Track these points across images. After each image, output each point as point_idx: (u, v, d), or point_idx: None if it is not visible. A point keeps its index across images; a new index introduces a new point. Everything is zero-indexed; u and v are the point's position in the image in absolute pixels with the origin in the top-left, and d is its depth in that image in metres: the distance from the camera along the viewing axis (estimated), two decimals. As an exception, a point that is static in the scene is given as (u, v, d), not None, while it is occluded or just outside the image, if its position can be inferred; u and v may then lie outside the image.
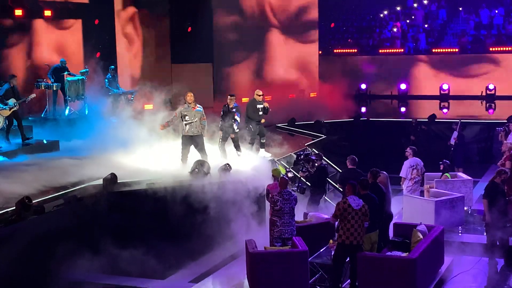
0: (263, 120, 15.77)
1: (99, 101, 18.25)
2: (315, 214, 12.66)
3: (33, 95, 16.22)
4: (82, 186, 12.89)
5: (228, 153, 15.12)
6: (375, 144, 22.05)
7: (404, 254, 10.59)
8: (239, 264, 11.94)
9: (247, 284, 10.85)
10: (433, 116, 23.04)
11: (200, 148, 14.34)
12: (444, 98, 27.92)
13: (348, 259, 10.36)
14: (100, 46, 20.13)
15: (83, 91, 18.24)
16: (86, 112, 18.27)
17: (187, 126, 14.15)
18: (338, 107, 24.64)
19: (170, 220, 12.76)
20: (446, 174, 15.66)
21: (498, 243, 12.14)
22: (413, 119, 22.29)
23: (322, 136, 20.38)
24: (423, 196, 14.91)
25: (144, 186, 13.20)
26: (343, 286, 10.48)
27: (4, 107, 15.19)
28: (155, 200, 12.89)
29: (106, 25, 20.43)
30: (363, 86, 29.27)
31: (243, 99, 19.65)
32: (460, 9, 31.56)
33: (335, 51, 30.74)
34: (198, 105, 14.29)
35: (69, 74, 18.19)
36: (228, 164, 14.14)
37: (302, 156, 15.59)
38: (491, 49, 28.46)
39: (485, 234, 12.68)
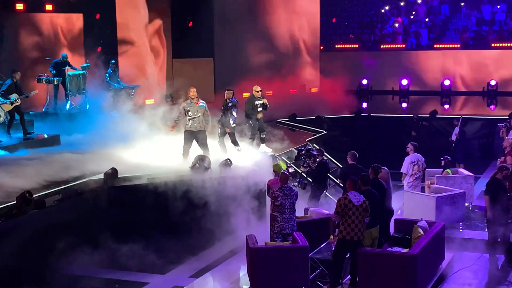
0: (260, 115, 15.67)
1: (100, 96, 18.21)
2: (315, 210, 12.62)
3: (36, 91, 16.23)
4: (83, 180, 12.88)
5: (228, 148, 15.10)
6: (376, 139, 22.07)
7: (405, 250, 10.56)
8: (240, 260, 11.94)
9: (248, 279, 10.83)
10: (434, 112, 23.03)
11: (202, 143, 14.33)
12: (445, 94, 27.90)
13: (348, 254, 10.35)
14: (101, 41, 20.09)
15: (84, 86, 18.22)
16: (87, 106, 18.25)
17: (190, 121, 14.16)
18: (339, 103, 24.59)
19: (171, 215, 12.77)
20: (447, 170, 15.65)
21: (499, 240, 12.14)
22: (414, 115, 22.29)
23: (323, 132, 20.39)
24: (424, 192, 14.88)
25: (145, 181, 13.19)
26: (343, 281, 10.46)
27: (6, 101, 15.17)
28: (156, 195, 12.90)
29: (108, 19, 20.37)
30: (365, 81, 29.22)
31: (244, 94, 19.59)
32: (462, 4, 31.50)
33: (336, 46, 30.68)
34: (201, 101, 14.29)
35: (71, 68, 18.19)
36: (228, 159, 14.14)
37: (303, 152, 15.55)
38: (493, 45, 28.41)
39: (486, 230, 12.70)
